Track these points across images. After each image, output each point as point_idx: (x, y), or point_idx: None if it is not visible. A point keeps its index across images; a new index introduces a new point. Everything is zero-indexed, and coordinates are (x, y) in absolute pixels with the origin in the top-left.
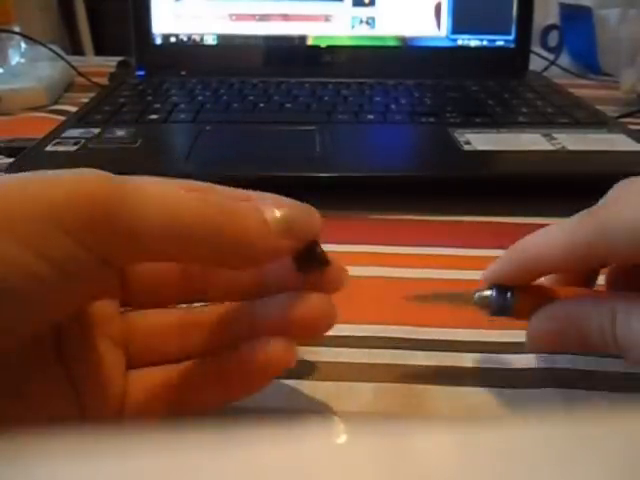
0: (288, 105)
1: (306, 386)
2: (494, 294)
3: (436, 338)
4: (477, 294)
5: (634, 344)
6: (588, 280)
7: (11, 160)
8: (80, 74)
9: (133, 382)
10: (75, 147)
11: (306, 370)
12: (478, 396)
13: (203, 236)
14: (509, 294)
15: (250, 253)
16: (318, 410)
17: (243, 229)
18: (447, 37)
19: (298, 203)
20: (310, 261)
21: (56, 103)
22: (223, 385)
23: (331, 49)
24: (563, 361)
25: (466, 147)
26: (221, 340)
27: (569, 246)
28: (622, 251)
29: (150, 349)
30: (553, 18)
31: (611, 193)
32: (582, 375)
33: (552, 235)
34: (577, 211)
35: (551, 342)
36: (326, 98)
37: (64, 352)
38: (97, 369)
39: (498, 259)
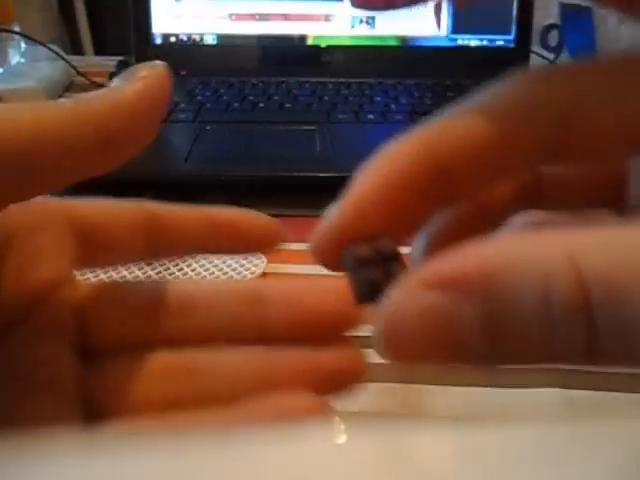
0: (288, 105)
1: None
2: None
3: None
4: None
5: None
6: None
7: None
8: (80, 74)
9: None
10: None
11: None
12: (478, 396)
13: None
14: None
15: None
16: None
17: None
18: (447, 37)
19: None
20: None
21: None
22: None
23: (331, 49)
24: None
25: None
26: (219, 391)
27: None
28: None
29: (125, 397)
30: (553, 18)
31: None
32: (582, 375)
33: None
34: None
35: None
36: (326, 98)
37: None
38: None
39: None
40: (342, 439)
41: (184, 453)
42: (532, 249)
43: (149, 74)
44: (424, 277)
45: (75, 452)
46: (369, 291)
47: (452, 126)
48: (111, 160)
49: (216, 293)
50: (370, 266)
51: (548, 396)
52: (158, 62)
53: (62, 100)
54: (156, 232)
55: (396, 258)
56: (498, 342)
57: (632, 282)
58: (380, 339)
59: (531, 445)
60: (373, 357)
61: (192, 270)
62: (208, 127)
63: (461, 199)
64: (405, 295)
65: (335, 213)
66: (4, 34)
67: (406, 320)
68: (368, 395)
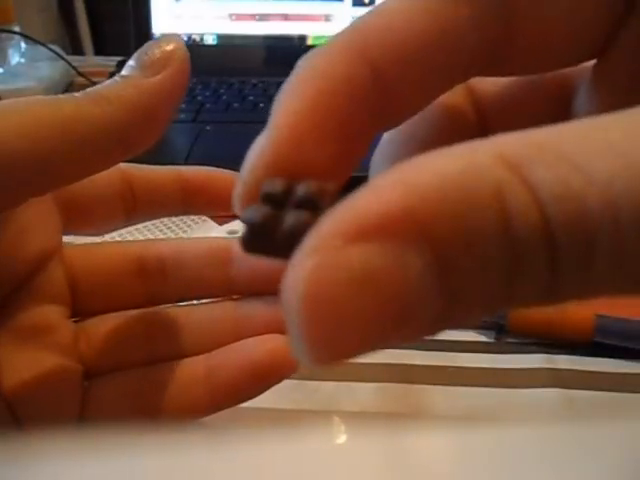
0: None
1: (306, 386)
2: None
3: (436, 338)
4: None
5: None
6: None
7: None
8: (80, 74)
9: (95, 391)
10: None
11: (306, 370)
12: (478, 396)
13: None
14: None
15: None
16: (318, 410)
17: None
18: None
19: None
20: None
21: None
22: (207, 390)
23: None
24: (563, 361)
25: None
26: (194, 342)
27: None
28: None
29: (113, 355)
30: None
31: None
32: (582, 375)
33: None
34: None
35: None
36: None
37: None
38: (39, 384)
39: None
40: (342, 439)
41: (184, 453)
42: (467, 164)
43: (168, 60)
44: (344, 227)
45: (74, 452)
46: (253, 237)
47: (382, 22)
48: (126, 156)
49: (184, 253)
50: (269, 205)
51: (548, 396)
52: (174, 37)
53: (79, 96)
54: (133, 196)
55: (314, 205)
56: (458, 291)
57: (583, 186)
58: (298, 329)
59: (531, 445)
60: (370, 358)
61: None
62: (208, 127)
63: (399, 116)
64: (324, 257)
65: (263, 147)
66: (4, 34)
67: (334, 293)
68: (368, 395)
